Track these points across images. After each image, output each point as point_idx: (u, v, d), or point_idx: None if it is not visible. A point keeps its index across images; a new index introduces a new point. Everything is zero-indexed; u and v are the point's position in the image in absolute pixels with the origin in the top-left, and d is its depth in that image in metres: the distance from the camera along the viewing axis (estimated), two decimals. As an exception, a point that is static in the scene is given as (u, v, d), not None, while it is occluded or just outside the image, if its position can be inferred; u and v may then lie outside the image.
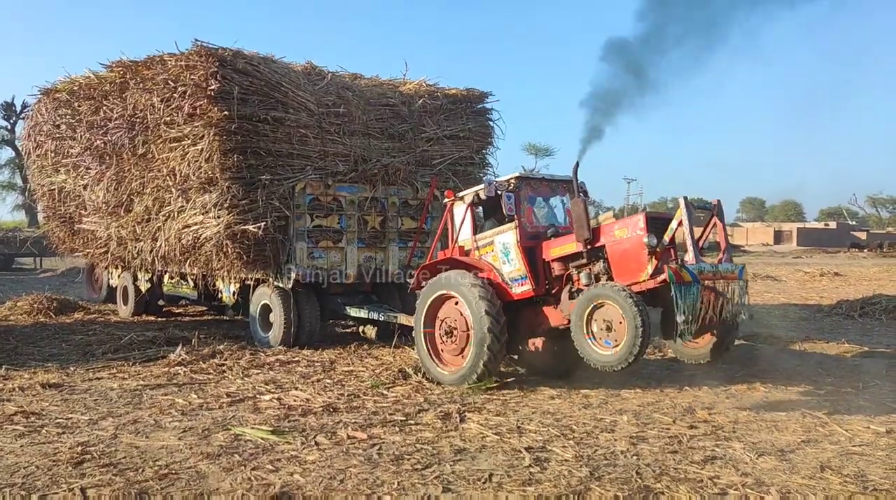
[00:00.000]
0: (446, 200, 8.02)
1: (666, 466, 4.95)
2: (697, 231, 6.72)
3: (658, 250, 6.40)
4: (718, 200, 6.77)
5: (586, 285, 6.80)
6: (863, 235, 64.80)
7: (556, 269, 7.15)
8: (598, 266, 6.85)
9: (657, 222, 6.57)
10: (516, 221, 7.23)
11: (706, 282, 6.23)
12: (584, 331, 6.36)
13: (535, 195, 7.66)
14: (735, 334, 6.82)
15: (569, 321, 6.77)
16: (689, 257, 6.40)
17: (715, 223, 6.72)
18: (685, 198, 6.44)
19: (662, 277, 6.21)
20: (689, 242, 6.40)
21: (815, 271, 24.19)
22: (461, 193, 7.90)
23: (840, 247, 53.00)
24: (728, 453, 5.27)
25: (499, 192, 7.26)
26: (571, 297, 6.94)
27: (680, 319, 6.09)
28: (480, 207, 8.09)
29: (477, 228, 7.77)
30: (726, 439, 5.63)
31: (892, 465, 5.04)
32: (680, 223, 6.40)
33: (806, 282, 21.59)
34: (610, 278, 6.74)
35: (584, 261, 6.91)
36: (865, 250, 47.91)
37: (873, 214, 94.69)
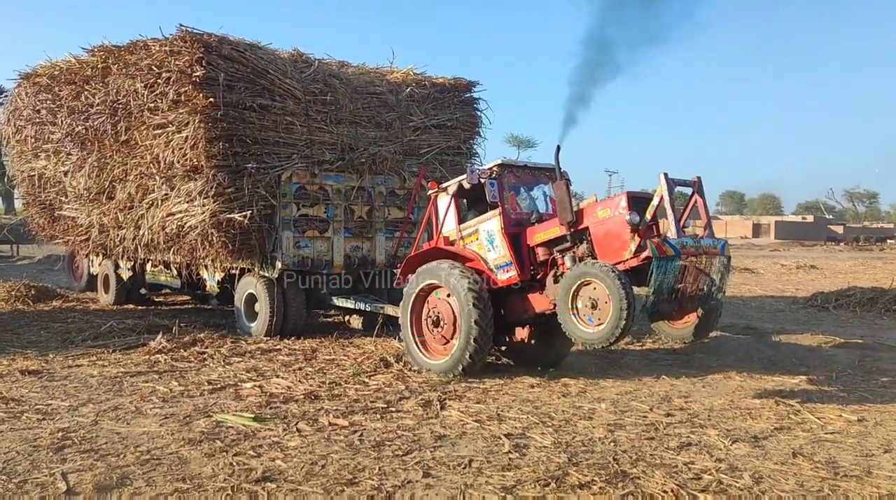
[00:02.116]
0: (430, 191, 8.05)
1: (642, 452, 5.06)
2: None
3: (641, 227, 6.42)
4: (699, 177, 6.71)
5: (571, 269, 6.80)
6: (839, 229, 65.74)
7: (541, 254, 7.18)
8: (582, 248, 6.85)
9: (639, 202, 6.58)
10: (500, 207, 7.27)
11: (689, 257, 6.24)
12: (569, 306, 6.37)
13: (518, 184, 7.70)
14: (719, 315, 6.83)
15: (554, 306, 6.79)
16: (671, 232, 6.41)
17: (696, 200, 6.72)
18: (666, 174, 6.39)
19: (645, 253, 6.23)
20: (670, 218, 6.41)
21: (792, 264, 24.55)
22: (444, 184, 7.93)
23: (817, 240, 53.74)
24: (703, 439, 5.39)
25: (482, 179, 7.29)
26: (556, 281, 6.95)
27: (655, 291, 6.10)
28: (464, 199, 8.13)
29: (461, 219, 7.81)
30: (701, 426, 5.75)
31: (862, 452, 5.19)
32: (661, 200, 6.40)
33: (783, 274, 21.89)
34: (594, 260, 6.74)
35: (568, 244, 6.92)
36: (841, 244, 48.64)
37: (850, 209, 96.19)
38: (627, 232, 6.47)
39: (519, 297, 7.41)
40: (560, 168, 7.19)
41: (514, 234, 7.28)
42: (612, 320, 5.99)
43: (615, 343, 6.18)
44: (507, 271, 7.25)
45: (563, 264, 6.96)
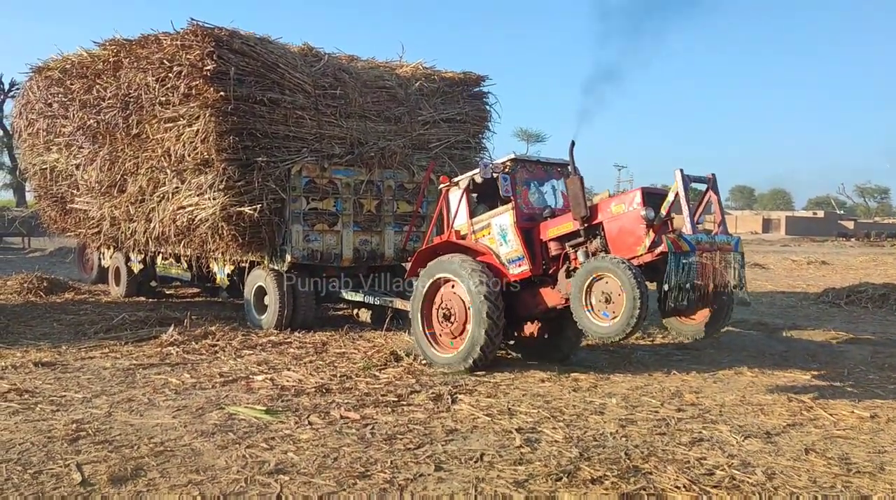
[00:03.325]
0: (441, 185, 8.04)
1: (654, 447, 5.05)
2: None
3: (655, 223, 6.41)
4: (713, 174, 6.72)
5: (583, 264, 6.80)
6: (850, 225, 65.31)
7: (553, 249, 7.17)
8: (596, 244, 6.85)
9: (653, 198, 6.57)
10: (513, 202, 7.26)
11: (704, 253, 6.22)
12: (583, 303, 6.36)
13: (530, 179, 7.69)
14: (731, 311, 6.82)
15: (566, 301, 6.81)
16: (686, 228, 6.39)
17: (710, 196, 6.70)
18: (681, 170, 6.38)
19: (660, 249, 6.22)
20: (685, 215, 6.39)
21: (803, 260, 24.42)
22: (456, 179, 7.92)
23: (828, 236, 53.40)
24: (715, 435, 5.38)
25: (495, 174, 7.28)
26: (568, 276, 6.95)
27: (671, 286, 6.09)
28: (475, 193, 8.11)
29: (472, 214, 7.80)
30: (713, 422, 5.73)
31: (875, 448, 5.16)
32: (676, 196, 6.38)
33: (793, 270, 21.78)
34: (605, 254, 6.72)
35: (582, 239, 6.91)
36: (852, 240, 48.32)
37: (861, 204, 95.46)
38: (642, 228, 6.45)
39: (530, 291, 7.39)
40: (574, 163, 7.17)
41: (527, 228, 7.27)
42: (627, 311, 5.97)
43: (631, 335, 6.15)
44: (520, 266, 7.24)
45: (575, 259, 6.95)
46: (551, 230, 7.19)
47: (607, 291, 6.20)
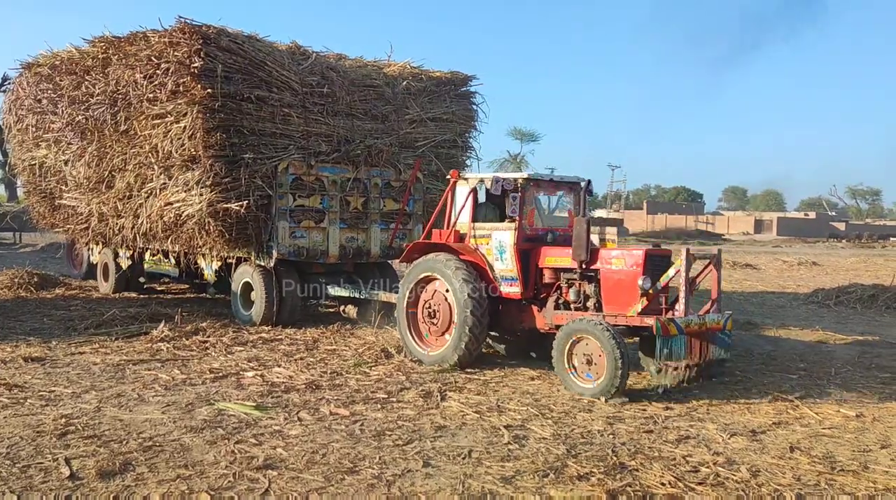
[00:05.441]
0: (449, 177, 8.01)
1: (641, 445, 5.09)
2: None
3: (651, 292, 6.56)
4: (719, 250, 7.07)
5: (574, 301, 7.03)
6: (842, 226, 65.66)
7: (548, 276, 7.31)
8: (589, 288, 7.00)
9: (655, 259, 6.73)
10: (517, 222, 7.29)
11: (692, 334, 6.39)
12: (566, 365, 6.52)
13: (538, 193, 7.73)
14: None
15: (550, 329, 7.00)
16: (680, 309, 6.56)
17: (711, 271, 6.89)
18: (688, 250, 6.63)
19: (650, 322, 6.34)
20: (682, 295, 6.55)
21: (794, 261, 24.52)
22: (466, 175, 7.93)
23: (819, 237, 53.66)
24: (701, 433, 5.42)
25: (506, 189, 7.32)
26: (557, 307, 7.13)
27: (661, 365, 6.32)
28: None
29: (476, 213, 7.74)
30: (700, 420, 5.78)
31: (859, 447, 5.21)
32: (678, 272, 6.56)
33: (784, 271, 21.89)
34: (598, 302, 6.91)
35: (577, 278, 7.06)
36: (843, 241, 48.58)
37: (852, 206, 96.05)
38: (637, 291, 6.58)
39: (518, 307, 7.48)
40: (586, 204, 7.39)
41: (526, 250, 7.33)
42: (609, 372, 6.17)
43: (615, 396, 6.23)
44: (511, 286, 7.32)
45: (567, 293, 7.10)
46: (549, 259, 7.28)
47: (588, 352, 6.37)
